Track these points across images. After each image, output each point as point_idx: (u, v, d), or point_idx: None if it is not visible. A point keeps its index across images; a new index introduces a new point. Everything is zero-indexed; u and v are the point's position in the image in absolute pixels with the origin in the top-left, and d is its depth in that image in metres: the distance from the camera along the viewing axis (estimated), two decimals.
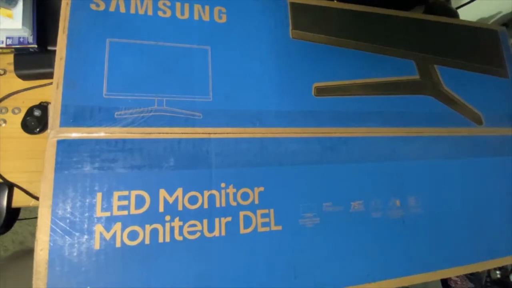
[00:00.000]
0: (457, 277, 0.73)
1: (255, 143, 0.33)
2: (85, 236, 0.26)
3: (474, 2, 0.65)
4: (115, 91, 0.30)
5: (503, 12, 0.74)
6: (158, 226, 0.28)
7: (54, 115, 0.28)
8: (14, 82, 0.39)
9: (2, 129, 0.38)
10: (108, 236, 0.27)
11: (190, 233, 0.29)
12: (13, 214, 0.37)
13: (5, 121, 0.38)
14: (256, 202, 0.31)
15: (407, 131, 0.39)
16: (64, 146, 0.28)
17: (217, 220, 0.30)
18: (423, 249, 0.36)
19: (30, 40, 0.37)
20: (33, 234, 0.86)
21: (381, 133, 0.38)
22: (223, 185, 0.31)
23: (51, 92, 0.29)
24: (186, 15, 0.34)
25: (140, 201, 0.28)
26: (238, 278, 0.29)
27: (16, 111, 0.39)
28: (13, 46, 0.37)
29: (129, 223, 0.27)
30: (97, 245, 0.26)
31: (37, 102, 0.39)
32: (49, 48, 0.39)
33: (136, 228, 0.27)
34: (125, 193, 0.28)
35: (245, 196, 0.31)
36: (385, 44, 0.42)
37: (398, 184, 0.37)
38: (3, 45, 0.37)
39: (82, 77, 0.29)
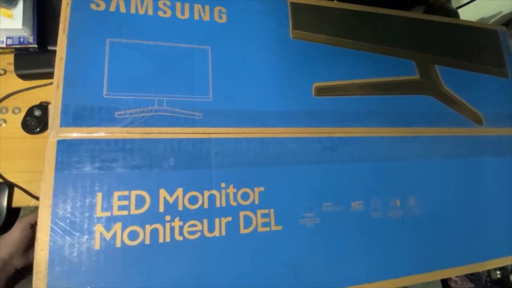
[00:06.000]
0: (457, 277, 0.74)
1: (255, 143, 0.33)
2: (85, 236, 0.26)
3: (474, 2, 0.65)
4: (115, 91, 0.30)
5: (503, 12, 0.74)
6: (158, 226, 0.28)
7: (54, 115, 0.28)
8: (14, 82, 0.39)
9: (2, 129, 0.38)
10: (108, 236, 0.27)
11: (190, 233, 0.29)
12: (13, 214, 0.37)
13: (5, 121, 0.38)
14: (256, 202, 0.31)
15: (407, 131, 0.39)
16: (64, 146, 0.28)
17: (217, 220, 0.30)
18: (423, 249, 0.36)
19: (30, 40, 0.37)
20: None
21: (381, 133, 0.38)
22: (223, 185, 0.31)
23: (51, 92, 0.29)
24: (186, 15, 0.34)
25: (140, 201, 0.28)
26: (238, 278, 0.29)
27: (16, 111, 0.39)
28: (13, 46, 0.37)
29: (129, 223, 0.27)
30: (97, 245, 0.26)
31: (37, 102, 0.39)
32: (49, 48, 0.39)
33: (136, 228, 0.27)
34: (125, 193, 0.28)
35: (245, 196, 0.31)
36: (385, 44, 0.42)
37: (398, 184, 0.37)
38: (3, 45, 0.37)
39: (82, 77, 0.29)
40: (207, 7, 0.35)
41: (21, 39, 0.37)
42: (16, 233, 0.31)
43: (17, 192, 0.37)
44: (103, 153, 0.28)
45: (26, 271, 0.33)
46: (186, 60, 0.33)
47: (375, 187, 0.36)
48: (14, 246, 0.31)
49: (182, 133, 0.31)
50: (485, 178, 0.41)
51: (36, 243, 0.25)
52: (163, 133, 0.30)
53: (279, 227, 0.31)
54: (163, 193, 0.29)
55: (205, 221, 0.29)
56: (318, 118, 0.36)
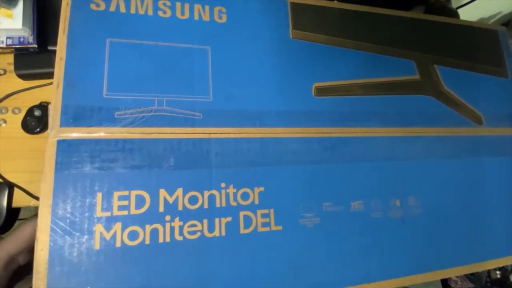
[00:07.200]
0: (457, 277, 0.74)
1: (255, 143, 0.33)
2: (85, 236, 0.26)
3: (474, 2, 0.65)
4: (115, 91, 0.30)
5: (503, 12, 0.74)
6: (158, 226, 0.28)
7: (54, 115, 0.28)
8: (14, 82, 0.39)
9: (2, 129, 0.38)
10: (108, 236, 0.27)
11: (190, 233, 0.29)
12: (13, 214, 0.37)
13: (5, 121, 0.38)
14: (256, 202, 0.31)
15: (407, 131, 0.39)
16: (64, 146, 0.28)
17: (217, 220, 0.30)
18: (423, 249, 0.36)
19: (30, 40, 0.37)
20: None
21: (381, 133, 0.38)
22: (223, 185, 0.31)
23: (51, 92, 0.29)
24: (186, 15, 0.34)
25: (140, 201, 0.28)
26: (238, 278, 0.29)
27: (16, 111, 0.39)
28: (13, 46, 0.37)
29: (129, 223, 0.27)
30: (97, 245, 0.26)
31: (37, 102, 0.39)
32: (49, 48, 0.39)
33: (136, 228, 0.27)
34: (125, 193, 0.28)
35: (245, 196, 0.31)
36: (385, 44, 0.42)
37: (398, 184, 0.37)
38: (3, 45, 0.37)
39: (82, 77, 0.29)
40: (207, 7, 0.35)
41: (21, 39, 0.37)
42: (29, 231, 0.31)
43: (17, 192, 0.37)
44: (103, 153, 0.28)
45: (26, 269, 0.33)
46: (186, 60, 0.33)
47: (375, 187, 0.36)
48: (24, 243, 0.31)
49: (182, 133, 0.31)
50: (485, 178, 0.41)
51: (36, 243, 0.25)
52: (163, 133, 0.30)
53: (279, 227, 0.31)
54: (163, 193, 0.29)
55: (205, 221, 0.29)
56: (318, 118, 0.36)
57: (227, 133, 0.32)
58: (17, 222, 0.40)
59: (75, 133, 0.28)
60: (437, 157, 0.39)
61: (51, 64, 0.36)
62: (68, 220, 0.26)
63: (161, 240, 0.28)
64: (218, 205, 0.30)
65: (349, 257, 0.33)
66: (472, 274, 0.72)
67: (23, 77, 0.39)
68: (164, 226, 0.28)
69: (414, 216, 0.36)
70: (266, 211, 0.31)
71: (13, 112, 0.39)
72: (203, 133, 0.31)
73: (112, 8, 0.32)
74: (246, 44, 0.36)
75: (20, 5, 0.36)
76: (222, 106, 0.33)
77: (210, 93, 0.33)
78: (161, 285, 0.27)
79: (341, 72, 0.38)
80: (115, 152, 0.29)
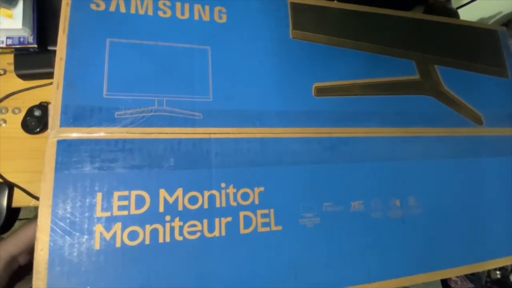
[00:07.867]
0: (457, 277, 0.74)
1: (255, 143, 0.33)
2: (85, 236, 0.26)
3: (474, 2, 0.65)
4: (115, 91, 0.30)
5: (503, 12, 0.74)
6: (158, 226, 0.28)
7: (54, 115, 0.28)
8: (14, 82, 0.39)
9: (2, 129, 0.38)
10: (108, 236, 0.27)
11: (190, 233, 0.29)
12: (13, 214, 0.37)
13: (5, 121, 0.39)
14: (256, 202, 0.31)
15: (407, 131, 0.39)
16: (64, 146, 0.28)
17: (217, 220, 0.30)
18: (423, 249, 0.36)
19: (30, 40, 0.37)
20: None
21: (381, 133, 0.38)
22: (223, 185, 0.31)
23: (51, 92, 0.29)
24: (186, 15, 0.34)
25: (140, 201, 0.28)
26: (238, 278, 0.29)
27: (16, 111, 0.39)
28: (13, 46, 0.37)
29: (129, 223, 0.27)
30: (97, 245, 0.26)
31: (37, 102, 0.39)
32: (49, 48, 0.39)
33: (136, 228, 0.27)
34: (125, 193, 0.28)
35: (245, 196, 0.31)
36: (385, 44, 0.42)
37: (398, 184, 0.37)
38: (3, 45, 0.37)
39: (82, 77, 0.29)
40: (207, 7, 0.35)
41: (21, 39, 0.37)
42: (31, 232, 0.31)
43: (17, 192, 0.37)
44: (103, 153, 0.28)
45: (27, 269, 0.33)
46: (186, 60, 0.33)
47: (375, 187, 0.36)
48: (25, 244, 0.31)
49: (182, 133, 0.31)
50: (485, 178, 0.41)
51: (36, 243, 0.25)
52: (163, 133, 0.30)
53: (279, 227, 0.31)
54: (163, 193, 0.29)
55: (205, 221, 0.29)
56: (318, 118, 0.36)
57: (227, 133, 0.32)
58: (17, 222, 0.40)
59: (75, 133, 0.28)
60: (437, 157, 0.39)
61: (51, 64, 0.36)
62: (68, 220, 0.26)
63: (161, 240, 0.28)
64: (218, 205, 0.30)
65: (349, 257, 0.33)
66: (472, 274, 0.72)
67: (23, 77, 0.39)
68: (164, 226, 0.28)
69: (414, 216, 0.36)
70: (266, 211, 0.31)
71: (13, 112, 0.39)
72: (203, 133, 0.31)
73: (112, 8, 0.32)
74: (246, 44, 0.36)
75: (20, 5, 0.36)
76: (222, 106, 0.33)
77: (210, 93, 0.33)
78: (161, 285, 0.27)
79: (341, 72, 0.38)
80: (115, 152, 0.29)
